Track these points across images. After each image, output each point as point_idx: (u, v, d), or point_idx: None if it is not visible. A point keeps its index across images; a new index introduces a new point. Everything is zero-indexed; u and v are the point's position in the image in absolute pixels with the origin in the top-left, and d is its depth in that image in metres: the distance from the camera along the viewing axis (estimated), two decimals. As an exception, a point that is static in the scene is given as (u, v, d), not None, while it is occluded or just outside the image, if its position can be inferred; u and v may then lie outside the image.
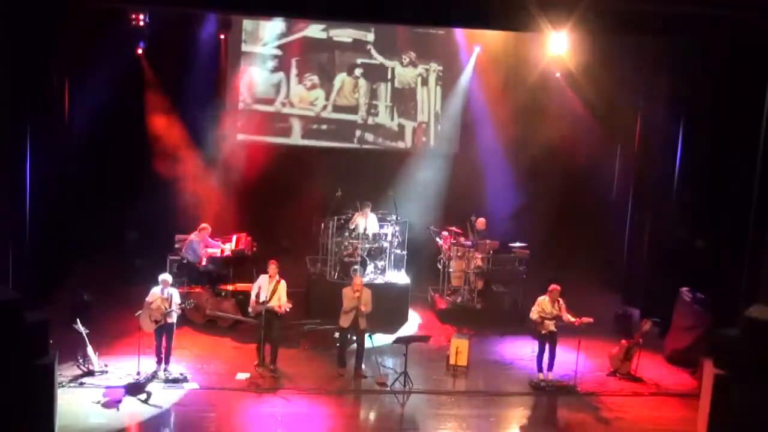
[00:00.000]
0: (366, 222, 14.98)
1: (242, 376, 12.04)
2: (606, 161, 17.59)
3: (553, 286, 12.31)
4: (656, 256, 15.27)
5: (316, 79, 18.20)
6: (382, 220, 15.23)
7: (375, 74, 18.34)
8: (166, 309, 11.74)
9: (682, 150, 14.48)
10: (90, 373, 11.65)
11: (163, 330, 11.81)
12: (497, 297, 15.32)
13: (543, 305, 12.26)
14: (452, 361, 12.80)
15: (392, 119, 18.55)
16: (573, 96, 17.40)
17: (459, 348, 12.79)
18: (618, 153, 17.45)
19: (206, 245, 14.98)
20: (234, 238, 15.45)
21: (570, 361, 12.42)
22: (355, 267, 14.38)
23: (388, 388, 11.95)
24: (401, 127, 18.62)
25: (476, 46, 18.21)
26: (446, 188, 18.09)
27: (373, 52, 18.22)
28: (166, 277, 12.05)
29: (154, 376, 11.70)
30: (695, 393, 11.55)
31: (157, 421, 10.77)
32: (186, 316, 13.33)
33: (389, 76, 18.42)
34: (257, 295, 12.21)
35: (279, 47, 17.97)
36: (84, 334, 11.70)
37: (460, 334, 13.65)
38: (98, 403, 10.94)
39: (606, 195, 17.66)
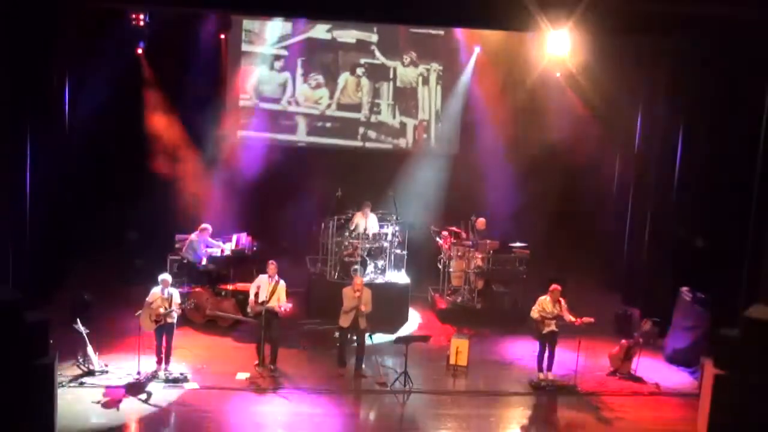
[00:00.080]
0: (366, 222, 14.99)
1: (242, 376, 12.04)
2: (606, 161, 17.58)
3: (554, 286, 12.30)
4: (656, 256, 15.25)
5: (320, 78, 18.40)
6: (382, 220, 15.24)
7: (377, 74, 18.51)
8: (166, 309, 11.75)
9: (681, 150, 14.47)
10: (90, 373, 11.65)
11: (164, 330, 11.82)
12: (497, 297, 15.34)
13: (544, 305, 12.25)
14: (452, 361, 12.81)
15: (394, 117, 18.71)
16: (573, 96, 17.41)
17: (459, 348, 12.79)
18: (618, 153, 17.45)
19: (206, 245, 14.99)
20: (234, 237, 15.46)
21: (570, 360, 12.42)
22: (356, 267, 14.38)
23: (388, 388, 11.94)
24: (403, 124, 18.78)
25: (476, 46, 18.23)
26: (446, 188, 18.07)
27: (376, 52, 18.35)
28: (166, 277, 12.05)
29: (154, 376, 11.70)
30: (695, 393, 11.57)
31: (157, 421, 10.77)
32: (186, 316, 13.33)
33: (391, 76, 18.57)
34: (256, 295, 12.23)
35: (285, 48, 18.12)
36: (84, 334, 11.70)
37: (460, 334, 13.65)
38: (98, 403, 10.94)
39: (606, 195, 17.67)
